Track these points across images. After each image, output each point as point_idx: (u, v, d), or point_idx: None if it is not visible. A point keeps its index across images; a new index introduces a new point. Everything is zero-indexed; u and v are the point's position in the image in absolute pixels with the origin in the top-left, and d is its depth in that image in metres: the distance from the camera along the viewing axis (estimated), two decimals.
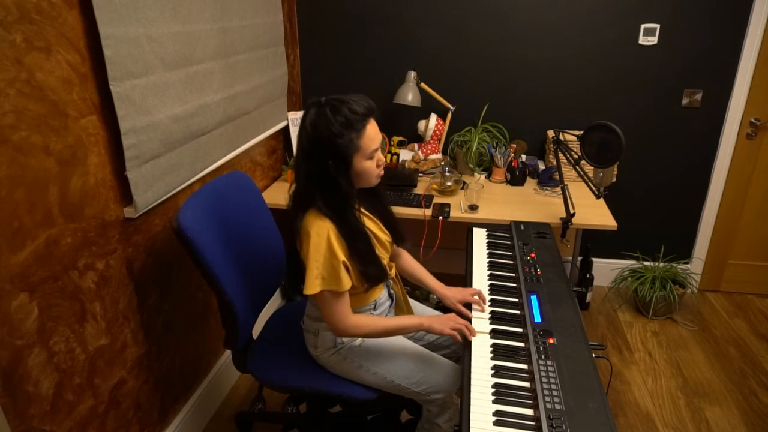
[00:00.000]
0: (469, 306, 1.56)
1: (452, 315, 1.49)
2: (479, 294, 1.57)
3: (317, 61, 2.89)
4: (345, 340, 1.56)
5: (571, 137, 2.57)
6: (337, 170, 1.35)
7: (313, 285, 1.36)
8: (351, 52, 2.85)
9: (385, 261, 1.54)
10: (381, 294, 1.60)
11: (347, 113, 1.31)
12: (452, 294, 1.60)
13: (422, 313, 1.76)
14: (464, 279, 1.73)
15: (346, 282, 1.39)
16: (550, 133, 2.67)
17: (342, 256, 1.37)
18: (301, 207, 1.42)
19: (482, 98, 2.83)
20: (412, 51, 2.80)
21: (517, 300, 1.58)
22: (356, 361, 1.56)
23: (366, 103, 1.36)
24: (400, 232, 1.60)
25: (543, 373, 1.24)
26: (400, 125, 2.94)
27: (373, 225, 1.52)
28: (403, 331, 1.49)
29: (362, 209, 1.50)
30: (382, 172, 1.46)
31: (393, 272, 1.65)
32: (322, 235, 1.36)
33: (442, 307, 1.65)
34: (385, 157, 2.84)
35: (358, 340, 1.57)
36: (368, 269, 1.43)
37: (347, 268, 1.40)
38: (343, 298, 1.41)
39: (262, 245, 1.78)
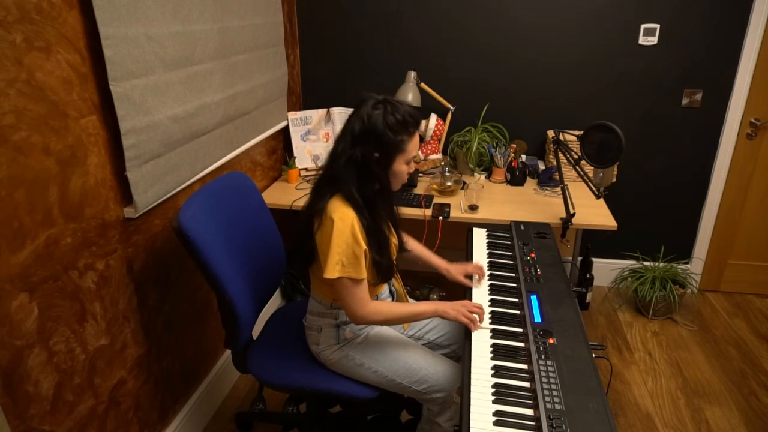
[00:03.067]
0: (470, 296, 1.61)
1: (466, 302, 1.51)
2: (480, 269, 1.68)
3: (317, 61, 2.89)
4: (347, 336, 1.57)
5: (571, 137, 2.57)
6: (380, 164, 1.41)
7: (333, 270, 1.39)
8: (351, 52, 2.85)
9: None
10: (382, 290, 1.62)
11: (405, 115, 1.40)
12: (454, 269, 1.70)
13: None
14: None
15: (364, 270, 1.43)
16: (550, 133, 2.67)
17: (364, 245, 1.41)
18: (329, 188, 1.44)
19: (482, 98, 2.83)
20: (412, 51, 2.80)
21: (517, 300, 1.58)
22: (357, 359, 1.56)
23: (418, 115, 1.44)
24: (402, 239, 1.67)
25: (543, 373, 1.24)
26: None
27: (385, 228, 1.56)
28: (419, 316, 1.53)
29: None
30: (406, 180, 1.52)
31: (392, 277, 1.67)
32: (346, 221, 1.38)
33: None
34: None
35: (360, 338, 1.58)
36: (383, 260, 1.48)
37: (365, 257, 1.43)
38: (363, 284, 1.44)
39: (262, 245, 1.78)
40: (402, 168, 1.45)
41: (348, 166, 1.41)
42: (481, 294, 1.62)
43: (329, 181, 1.45)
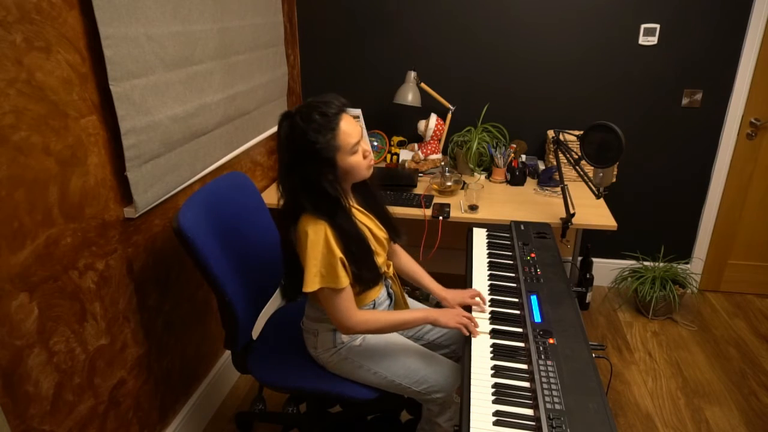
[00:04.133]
0: (468, 309, 1.55)
1: (458, 309, 1.49)
2: (479, 295, 1.56)
3: (317, 61, 2.89)
4: (345, 339, 1.55)
5: (571, 137, 2.57)
6: (322, 174, 1.35)
7: (312, 282, 1.36)
8: (351, 52, 2.85)
9: (382, 259, 1.54)
10: (380, 294, 1.60)
11: (318, 118, 1.32)
12: (452, 297, 1.60)
13: None
14: (464, 279, 1.73)
15: (344, 279, 1.39)
16: (550, 133, 2.67)
17: (339, 253, 1.38)
18: (292, 218, 1.42)
19: (482, 98, 2.83)
20: (412, 51, 2.80)
21: (517, 300, 1.58)
22: (356, 361, 1.56)
23: (336, 102, 1.36)
24: (395, 227, 1.60)
25: (543, 373, 1.24)
26: (400, 125, 2.94)
27: (369, 221, 1.52)
28: (409, 324, 1.49)
29: (356, 206, 1.50)
30: (372, 162, 1.46)
31: (391, 271, 1.65)
32: (319, 233, 1.36)
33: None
34: (385, 157, 2.85)
35: (359, 340, 1.57)
36: (362, 273, 1.43)
37: (344, 266, 1.40)
38: (345, 294, 1.41)
39: (262, 245, 1.78)
40: (350, 160, 1.38)
41: (294, 194, 1.38)
42: (481, 294, 1.62)
43: (289, 211, 1.42)
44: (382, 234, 1.55)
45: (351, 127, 1.37)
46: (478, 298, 1.55)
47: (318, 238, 1.36)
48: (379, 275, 1.50)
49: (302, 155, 1.34)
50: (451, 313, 1.47)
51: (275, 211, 1.89)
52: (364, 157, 1.42)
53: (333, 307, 1.41)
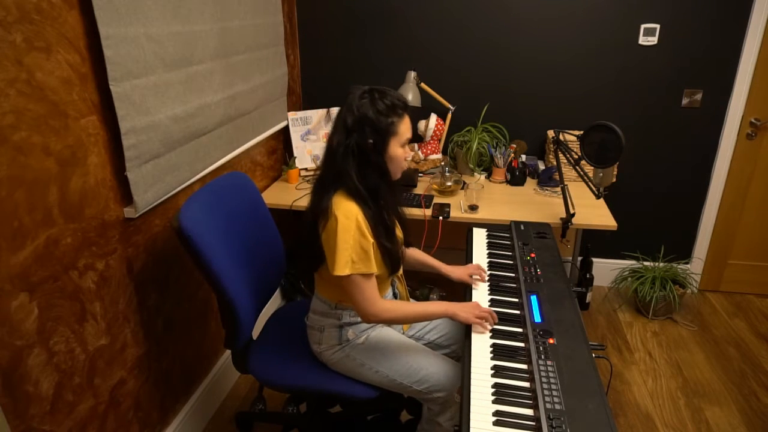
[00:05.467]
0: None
1: (475, 303, 1.51)
2: (479, 268, 1.69)
3: (317, 61, 2.89)
4: (350, 337, 1.57)
5: (571, 137, 2.57)
6: (376, 149, 1.42)
7: (343, 267, 1.39)
8: (351, 52, 2.85)
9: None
10: (387, 293, 1.62)
11: (392, 99, 1.43)
12: (458, 273, 1.71)
13: None
14: None
15: (374, 264, 1.43)
16: (550, 133, 2.67)
17: (371, 238, 1.42)
18: (331, 184, 1.45)
19: (482, 98, 2.83)
20: (412, 51, 2.80)
21: (517, 300, 1.58)
22: (359, 359, 1.56)
23: (404, 98, 1.47)
24: (409, 232, 1.67)
25: (543, 373, 1.24)
26: None
27: (389, 215, 1.55)
28: (428, 317, 1.54)
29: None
30: (407, 166, 1.54)
31: (399, 272, 1.66)
32: (350, 216, 1.39)
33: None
34: None
35: (362, 338, 1.58)
36: (393, 247, 1.48)
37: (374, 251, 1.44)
38: (372, 281, 1.44)
39: (262, 245, 1.78)
40: (398, 152, 1.46)
41: (346, 158, 1.42)
42: (481, 294, 1.62)
43: (330, 177, 1.45)
44: (400, 235, 1.60)
45: (409, 125, 1.48)
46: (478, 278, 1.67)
47: (350, 222, 1.38)
48: (399, 260, 1.55)
49: (365, 122, 1.40)
50: (469, 306, 1.49)
51: (275, 211, 1.89)
52: (405, 158, 1.50)
53: (360, 293, 1.43)
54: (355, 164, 1.42)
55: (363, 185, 1.42)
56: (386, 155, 1.45)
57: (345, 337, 1.57)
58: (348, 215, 1.39)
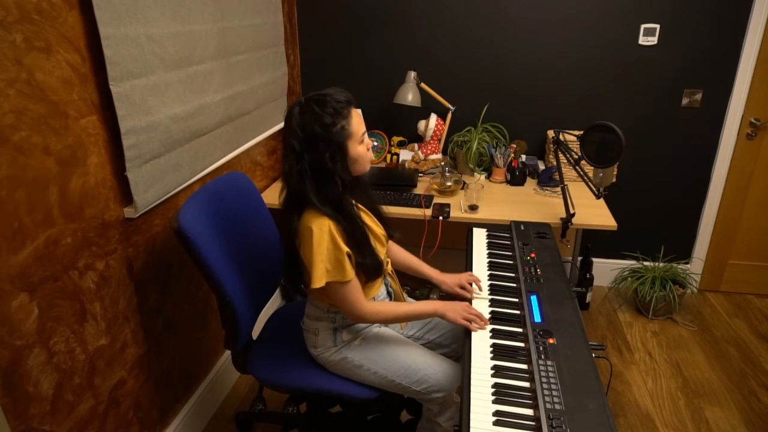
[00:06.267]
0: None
1: (465, 304, 1.51)
2: (474, 279, 1.63)
3: (317, 61, 2.89)
4: (345, 339, 1.56)
5: (571, 137, 2.57)
6: (334, 160, 1.38)
7: (319, 279, 1.38)
8: (351, 52, 2.85)
9: (382, 255, 1.55)
10: (379, 291, 1.60)
11: (333, 104, 1.36)
12: (450, 280, 1.66)
13: None
14: None
15: (350, 271, 1.42)
16: (550, 133, 2.67)
17: (345, 248, 1.40)
18: (297, 208, 1.43)
19: (482, 98, 2.83)
20: (412, 51, 2.80)
21: (517, 300, 1.58)
22: (356, 361, 1.56)
23: (345, 93, 1.41)
24: (389, 225, 1.64)
25: (543, 373, 1.24)
26: (400, 125, 2.94)
27: (368, 219, 1.55)
28: (417, 316, 1.53)
29: (357, 204, 1.52)
30: (372, 156, 1.48)
31: (389, 268, 1.66)
32: (323, 229, 1.38)
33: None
34: (385, 157, 2.85)
35: (358, 340, 1.57)
36: (366, 260, 1.46)
37: (350, 259, 1.43)
38: (352, 285, 1.44)
39: (262, 245, 1.78)
40: (359, 150, 1.42)
41: (302, 182, 1.38)
42: (481, 294, 1.62)
43: (293, 200, 1.43)
44: (380, 231, 1.57)
45: (359, 118, 1.43)
46: (474, 287, 1.62)
47: (323, 234, 1.37)
48: (380, 263, 1.52)
49: (315, 140, 1.36)
50: (458, 307, 1.49)
51: (275, 211, 1.89)
52: (367, 149, 1.46)
53: (343, 299, 1.44)
54: (314, 184, 1.38)
55: (327, 201, 1.39)
56: (347, 160, 1.41)
57: (340, 339, 1.57)
58: (321, 227, 1.37)
